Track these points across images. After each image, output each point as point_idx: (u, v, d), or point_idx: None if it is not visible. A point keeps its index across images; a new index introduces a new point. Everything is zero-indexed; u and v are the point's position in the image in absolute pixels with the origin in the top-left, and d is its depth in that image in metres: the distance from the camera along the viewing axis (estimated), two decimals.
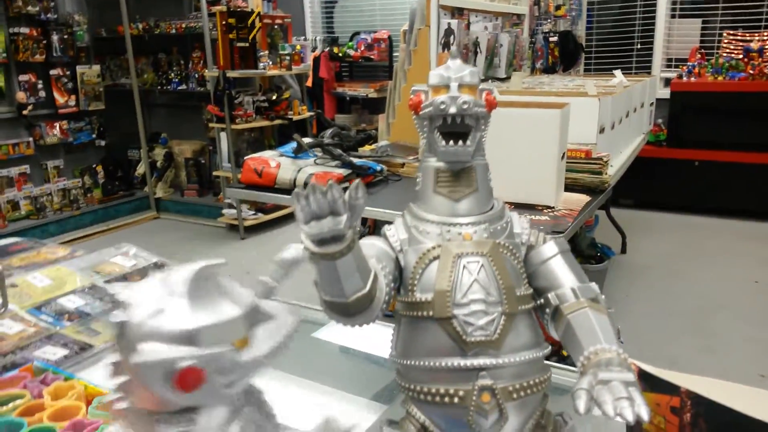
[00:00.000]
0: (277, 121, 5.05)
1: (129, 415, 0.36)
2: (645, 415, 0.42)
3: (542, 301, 0.55)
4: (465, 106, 0.52)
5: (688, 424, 0.49)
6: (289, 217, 5.12)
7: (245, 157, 2.49)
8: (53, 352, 1.05)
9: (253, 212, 4.92)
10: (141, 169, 5.70)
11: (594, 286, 0.54)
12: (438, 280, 0.52)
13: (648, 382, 0.50)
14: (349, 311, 0.50)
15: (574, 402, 0.44)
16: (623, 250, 4.13)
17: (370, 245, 0.54)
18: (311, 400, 0.95)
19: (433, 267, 0.53)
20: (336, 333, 1.17)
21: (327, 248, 0.46)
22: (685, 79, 4.84)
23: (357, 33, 5.93)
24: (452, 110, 0.52)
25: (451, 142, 0.53)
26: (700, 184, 4.79)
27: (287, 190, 2.33)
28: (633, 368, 0.47)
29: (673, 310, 3.30)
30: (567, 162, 2.12)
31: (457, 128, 0.53)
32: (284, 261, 0.43)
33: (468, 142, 0.53)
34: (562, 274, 0.55)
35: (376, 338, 1.11)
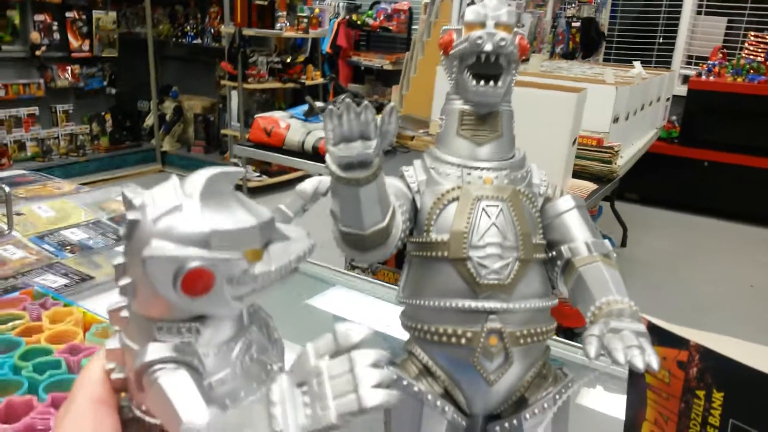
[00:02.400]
0: (290, 84, 5.01)
1: (130, 323, 0.35)
2: (655, 364, 0.42)
3: (554, 253, 0.54)
4: (502, 43, 0.51)
5: (693, 379, 0.49)
6: (295, 182, 5.11)
7: (255, 116, 2.48)
8: (54, 280, 1.05)
9: (258, 174, 4.91)
10: (149, 120, 5.68)
11: (607, 242, 0.54)
12: (456, 221, 0.52)
13: (657, 335, 0.51)
14: (365, 245, 0.50)
15: (584, 348, 0.44)
16: (623, 244, 4.13)
17: (388, 184, 0.53)
18: None
19: (451, 208, 0.52)
20: (330, 301, 1.17)
21: (353, 173, 0.45)
22: (704, 77, 4.79)
23: (377, 2, 5.86)
24: (488, 47, 0.51)
25: (483, 83, 0.52)
26: (707, 185, 4.77)
27: (295, 153, 2.32)
28: (643, 321, 0.47)
29: (668, 306, 3.31)
30: (578, 148, 2.10)
31: (489, 69, 0.52)
32: (304, 192, 0.41)
33: (500, 84, 0.52)
34: (576, 228, 0.54)
35: (369, 309, 1.12)
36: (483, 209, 0.51)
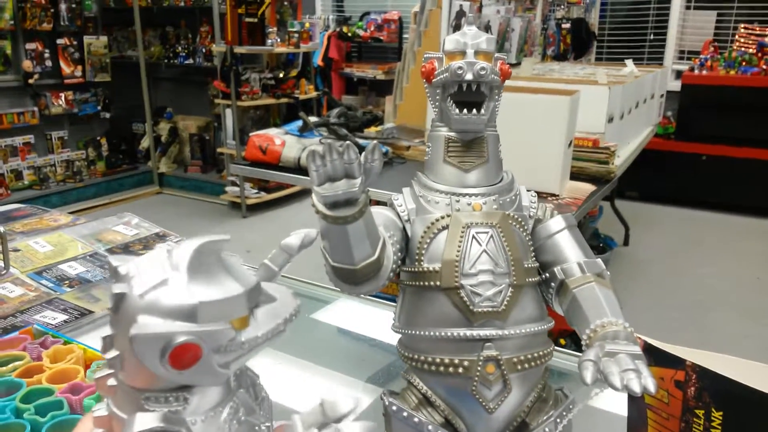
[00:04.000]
0: (284, 100, 5.02)
1: (117, 392, 0.35)
2: (652, 388, 0.42)
3: (547, 275, 0.54)
4: (482, 72, 0.51)
5: (692, 398, 0.48)
6: (292, 197, 5.11)
7: (250, 134, 2.48)
8: (53, 317, 1.05)
9: (256, 191, 4.91)
10: (145, 143, 5.69)
11: (600, 261, 0.54)
12: (446, 249, 0.51)
13: (653, 356, 0.50)
14: (356, 278, 0.50)
15: (580, 373, 0.44)
16: (626, 243, 4.12)
17: (377, 213, 0.53)
18: (307, 381, 0.95)
19: (442, 237, 0.52)
20: (334, 314, 1.17)
21: (339, 212, 0.45)
22: (696, 72, 4.79)
23: (367, 13, 5.88)
24: (469, 76, 0.51)
25: (465, 111, 0.52)
26: (707, 179, 4.76)
27: (291, 169, 2.32)
28: (638, 342, 0.47)
29: (673, 304, 3.30)
30: (574, 150, 2.10)
31: (471, 97, 0.52)
32: (290, 247, 0.41)
33: (482, 111, 0.52)
34: (569, 248, 0.54)
35: (373, 321, 1.11)
36: (473, 236, 0.51)
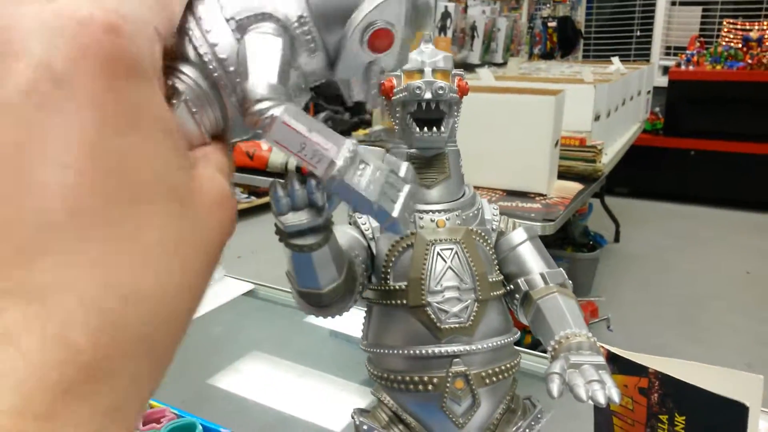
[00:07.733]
0: None
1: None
2: (616, 398, 0.43)
3: (512, 287, 0.55)
4: (441, 92, 0.51)
5: (655, 404, 0.49)
6: None
7: None
8: None
9: (246, 195, 4.91)
10: None
11: (562, 271, 0.55)
12: (412, 267, 0.52)
13: (616, 365, 0.51)
14: (324, 301, 0.50)
15: (547, 386, 0.44)
16: (616, 239, 4.13)
17: (341, 233, 0.53)
18: (300, 384, 0.96)
19: (407, 255, 0.52)
20: (328, 318, 1.18)
21: (304, 240, 0.44)
22: (683, 67, 4.82)
23: None
24: (428, 95, 0.51)
25: (425, 129, 0.53)
26: (696, 174, 4.79)
27: (279, 174, 2.32)
28: (602, 351, 0.48)
29: (664, 299, 3.32)
30: (561, 149, 2.11)
31: (431, 114, 0.52)
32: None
33: (442, 129, 0.53)
34: (531, 260, 0.55)
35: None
36: (438, 253, 0.52)
